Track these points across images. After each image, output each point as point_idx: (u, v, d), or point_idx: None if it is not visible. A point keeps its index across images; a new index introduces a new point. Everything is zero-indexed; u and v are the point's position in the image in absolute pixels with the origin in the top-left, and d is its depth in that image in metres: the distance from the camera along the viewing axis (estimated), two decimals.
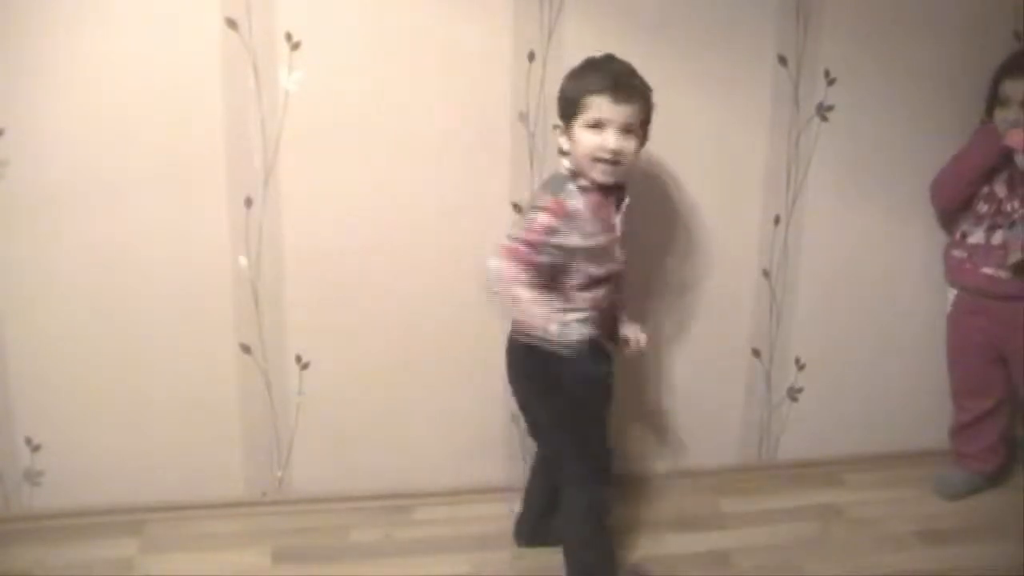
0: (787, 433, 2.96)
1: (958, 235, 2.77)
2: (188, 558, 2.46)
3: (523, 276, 2.04)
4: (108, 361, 2.48)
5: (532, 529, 2.52)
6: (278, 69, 2.36)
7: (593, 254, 2.16)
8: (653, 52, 2.46)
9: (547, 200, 2.12)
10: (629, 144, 2.11)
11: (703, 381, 2.84)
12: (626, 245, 2.23)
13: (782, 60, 2.62)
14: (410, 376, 2.64)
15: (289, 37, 2.34)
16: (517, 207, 2.53)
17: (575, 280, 2.17)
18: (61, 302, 2.42)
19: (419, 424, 2.68)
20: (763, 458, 2.96)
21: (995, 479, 2.90)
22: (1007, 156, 2.61)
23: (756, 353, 2.86)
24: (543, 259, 2.10)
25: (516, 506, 2.55)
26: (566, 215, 2.10)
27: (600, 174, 2.12)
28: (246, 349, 2.54)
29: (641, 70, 2.14)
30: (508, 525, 2.53)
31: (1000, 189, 2.67)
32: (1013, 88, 2.59)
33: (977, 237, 2.72)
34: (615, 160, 2.10)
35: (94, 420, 2.51)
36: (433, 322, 2.59)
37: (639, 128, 2.14)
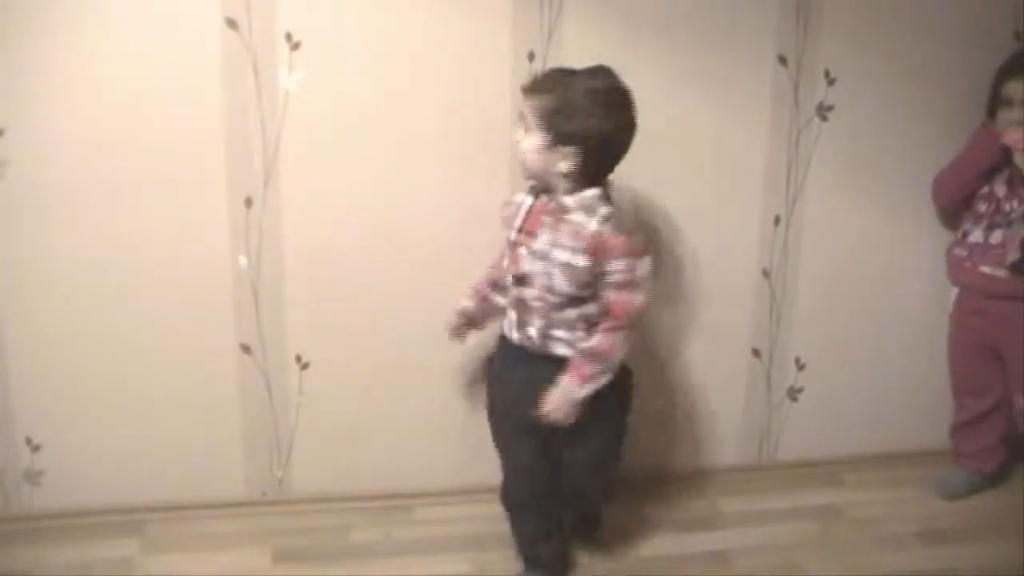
0: (787, 433, 2.96)
1: (960, 234, 2.78)
2: (188, 558, 2.46)
3: None
4: (108, 361, 2.48)
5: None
6: (278, 69, 2.36)
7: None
8: (653, 52, 2.46)
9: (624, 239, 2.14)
10: (522, 138, 2.11)
11: (703, 381, 2.84)
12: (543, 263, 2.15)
13: (782, 60, 2.61)
14: (410, 376, 2.64)
15: (289, 37, 2.34)
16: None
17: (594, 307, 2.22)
18: (61, 302, 2.42)
19: (419, 424, 2.68)
20: (763, 458, 2.96)
21: (995, 479, 2.90)
22: (1007, 155, 2.61)
23: (756, 353, 2.86)
24: None
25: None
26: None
27: (526, 175, 2.19)
28: (246, 349, 2.54)
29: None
30: (507, 525, 2.53)
31: (1000, 188, 2.67)
32: (1015, 88, 2.59)
33: (976, 236, 2.73)
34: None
35: (94, 420, 2.51)
36: (434, 322, 2.58)
37: (535, 125, 2.07)
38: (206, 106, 2.35)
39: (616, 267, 2.10)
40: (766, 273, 2.79)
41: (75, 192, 2.34)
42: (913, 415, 3.01)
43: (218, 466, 2.62)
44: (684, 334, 2.77)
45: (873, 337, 2.92)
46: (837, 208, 2.78)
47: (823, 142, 2.71)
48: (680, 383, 2.82)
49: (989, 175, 2.68)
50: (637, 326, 2.19)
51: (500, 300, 2.32)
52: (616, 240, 2.09)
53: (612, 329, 2.13)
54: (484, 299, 2.36)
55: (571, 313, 2.15)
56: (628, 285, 2.11)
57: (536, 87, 2.09)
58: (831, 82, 2.66)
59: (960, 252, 2.78)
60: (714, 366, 2.84)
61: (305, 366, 2.58)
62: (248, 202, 2.43)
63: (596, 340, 2.14)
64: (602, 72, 2.07)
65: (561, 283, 2.11)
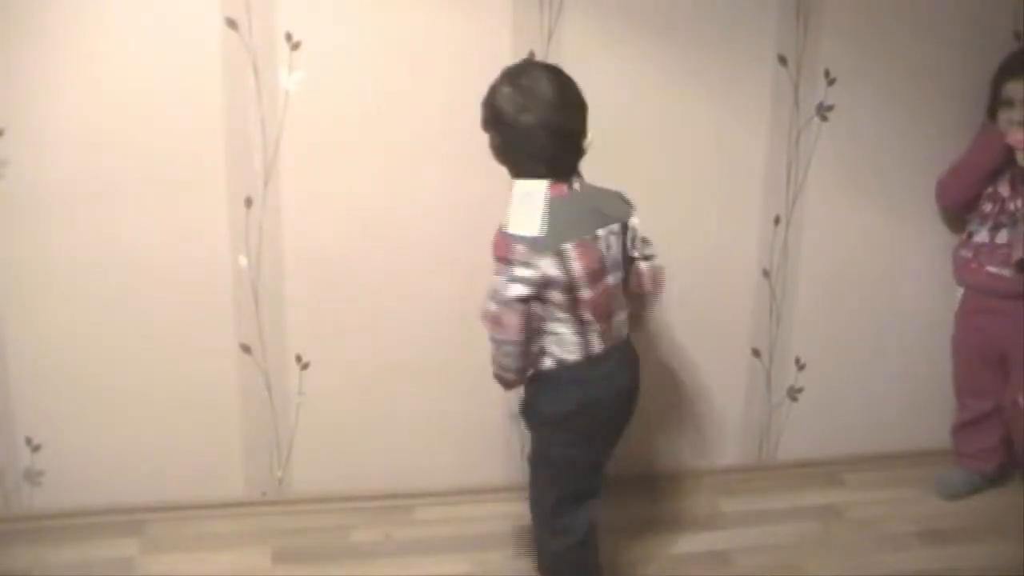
0: (787, 433, 2.96)
1: (965, 235, 2.78)
2: (188, 558, 2.46)
3: None
4: (108, 361, 2.48)
5: None
6: (278, 69, 2.36)
7: None
8: (653, 52, 2.47)
9: None
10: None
11: (703, 381, 2.84)
12: None
13: (782, 60, 2.61)
14: (410, 376, 2.64)
15: (289, 37, 2.34)
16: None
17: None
18: (61, 302, 2.42)
19: (419, 424, 2.68)
20: (763, 458, 2.96)
21: (995, 479, 2.90)
22: (1010, 156, 2.61)
23: (756, 353, 2.86)
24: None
25: None
26: None
27: None
28: (246, 349, 2.54)
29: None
30: (508, 525, 2.53)
31: (1004, 189, 2.67)
32: (1015, 88, 2.59)
33: (982, 236, 2.73)
34: None
35: (94, 420, 2.51)
36: (433, 322, 2.59)
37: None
38: (206, 106, 2.35)
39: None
40: (766, 273, 2.79)
41: (75, 192, 2.34)
42: (913, 415, 3.01)
43: (218, 466, 2.62)
44: (684, 334, 2.77)
45: (873, 337, 2.92)
46: (837, 208, 2.78)
47: (823, 142, 2.71)
48: (680, 383, 2.82)
49: (992, 176, 2.68)
50: (494, 339, 2.03)
51: None
52: (497, 238, 2.01)
53: None
54: None
55: None
56: (491, 289, 2.01)
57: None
58: (831, 82, 2.66)
59: (966, 253, 2.78)
60: (714, 366, 2.84)
61: (305, 366, 2.58)
62: (248, 202, 2.43)
63: None
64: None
65: None
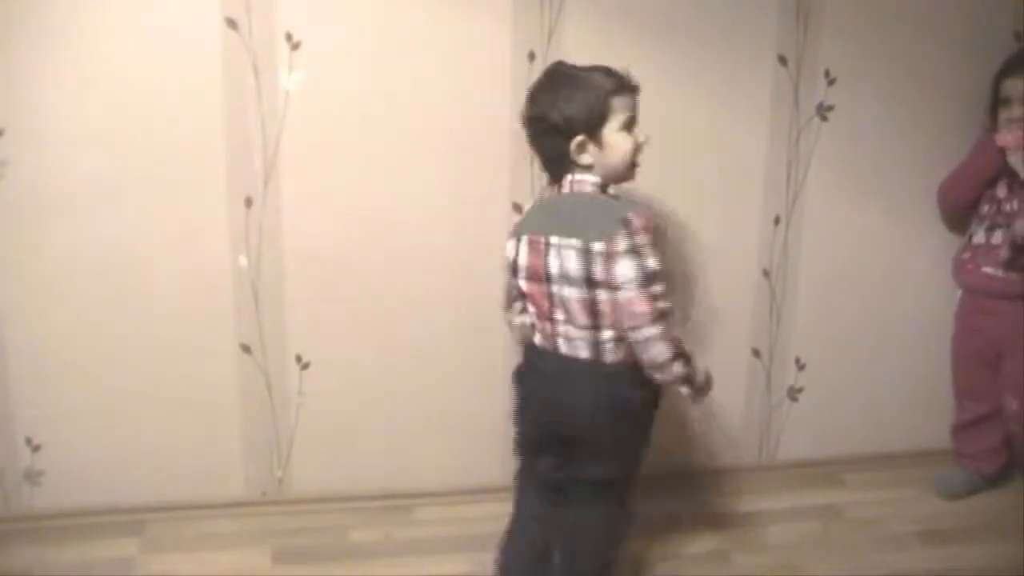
0: (787, 433, 2.96)
1: (967, 236, 2.79)
2: (188, 558, 2.46)
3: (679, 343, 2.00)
4: (108, 361, 2.48)
5: None
6: (278, 69, 2.36)
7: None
8: (653, 52, 2.47)
9: (637, 229, 1.94)
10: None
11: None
12: None
13: (782, 60, 2.62)
14: (410, 376, 2.64)
15: (289, 37, 2.34)
16: (517, 207, 2.53)
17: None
18: (61, 302, 2.42)
19: (419, 424, 2.68)
20: (763, 458, 2.96)
21: (995, 480, 2.90)
22: (1001, 159, 2.62)
23: (756, 353, 2.86)
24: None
25: None
26: (653, 230, 1.99)
27: (634, 175, 2.07)
28: (246, 349, 2.54)
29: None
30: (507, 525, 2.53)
31: (1001, 190, 2.67)
32: (1013, 87, 2.60)
33: (979, 237, 2.73)
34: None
35: (94, 420, 2.51)
36: (433, 322, 2.59)
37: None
38: (206, 106, 2.35)
39: None
40: (766, 273, 2.79)
41: (75, 192, 2.35)
42: (913, 415, 3.01)
43: (218, 466, 2.62)
44: (684, 334, 2.76)
45: (873, 337, 2.92)
46: (837, 208, 2.78)
47: (823, 142, 2.71)
48: None
49: (993, 181, 2.68)
50: None
51: None
52: None
53: None
54: None
55: None
56: None
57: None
58: (831, 82, 2.66)
59: (965, 254, 2.79)
60: (714, 366, 2.82)
61: (305, 366, 2.58)
62: (248, 202, 2.43)
63: None
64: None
65: None
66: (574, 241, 1.97)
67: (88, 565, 2.41)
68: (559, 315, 2.04)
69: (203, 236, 2.44)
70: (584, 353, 2.04)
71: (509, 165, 2.52)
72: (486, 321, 2.60)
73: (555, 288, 2.02)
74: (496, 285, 2.54)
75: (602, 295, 1.97)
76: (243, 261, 2.47)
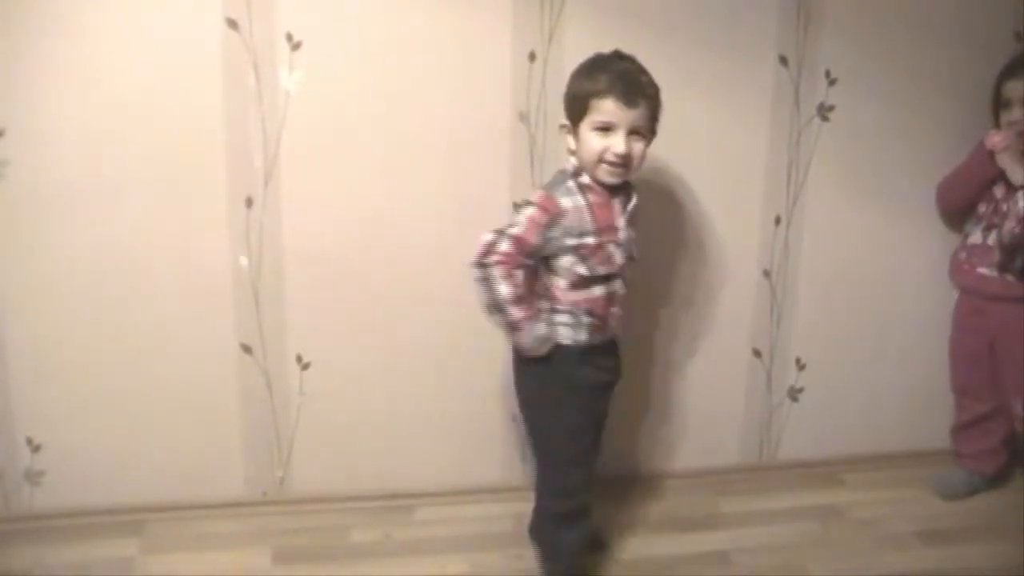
0: (787, 433, 2.96)
1: (963, 236, 2.79)
2: (188, 558, 2.46)
3: (502, 271, 2.09)
4: (108, 361, 2.48)
5: None
6: (279, 69, 2.36)
7: (582, 255, 2.14)
8: (654, 52, 2.45)
9: (538, 195, 2.14)
10: (637, 146, 2.10)
11: (703, 381, 2.84)
12: (635, 247, 2.22)
13: (783, 60, 2.62)
14: (410, 376, 2.64)
15: (290, 37, 2.34)
16: (518, 207, 2.53)
17: (562, 280, 2.16)
18: (61, 302, 2.42)
19: (419, 424, 2.68)
20: (763, 458, 2.96)
21: (995, 480, 2.91)
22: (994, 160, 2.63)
23: (757, 353, 2.86)
24: (529, 260, 2.13)
25: None
26: (555, 212, 2.10)
27: (606, 175, 2.11)
28: (247, 349, 2.54)
29: None
30: (508, 525, 2.53)
31: (998, 190, 2.67)
32: (1013, 89, 2.60)
33: (975, 237, 2.74)
34: (623, 163, 2.09)
35: (94, 420, 2.51)
36: (434, 322, 2.59)
37: (648, 129, 2.12)
38: (206, 106, 2.35)
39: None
40: (767, 273, 2.79)
41: (75, 192, 2.34)
42: (913, 415, 3.01)
43: (218, 466, 2.62)
44: (685, 334, 2.78)
45: (874, 337, 2.92)
46: (838, 208, 2.78)
47: (824, 142, 2.71)
48: (681, 383, 2.82)
49: (991, 183, 2.68)
50: None
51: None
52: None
53: None
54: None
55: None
56: None
57: (644, 95, 2.09)
58: (832, 82, 2.66)
59: (961, 254, 2.79)
60: (715, 366, 2.84)
61: (306, 366, 2.58)
62: (248, 202, 2.43)
63: None
64: (633, 58, 2.15)
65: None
66: None
67: (88, 565, 2.41)
68: None
69: (203, 236, 2.43)
70: None
71: (509, 165, 2.52)
72: (486, 321, 2.60)
73: None
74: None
75: None
76: (243, 261, 2.47)
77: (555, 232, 2.11)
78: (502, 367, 2.65)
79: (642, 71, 2.12)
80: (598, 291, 2.18)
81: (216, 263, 2.46)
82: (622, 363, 2.33)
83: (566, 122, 2.15)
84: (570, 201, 2.12)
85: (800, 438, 2.97)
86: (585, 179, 2.14)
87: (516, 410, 2.57)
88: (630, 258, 2.22)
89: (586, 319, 2.19)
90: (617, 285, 2.21)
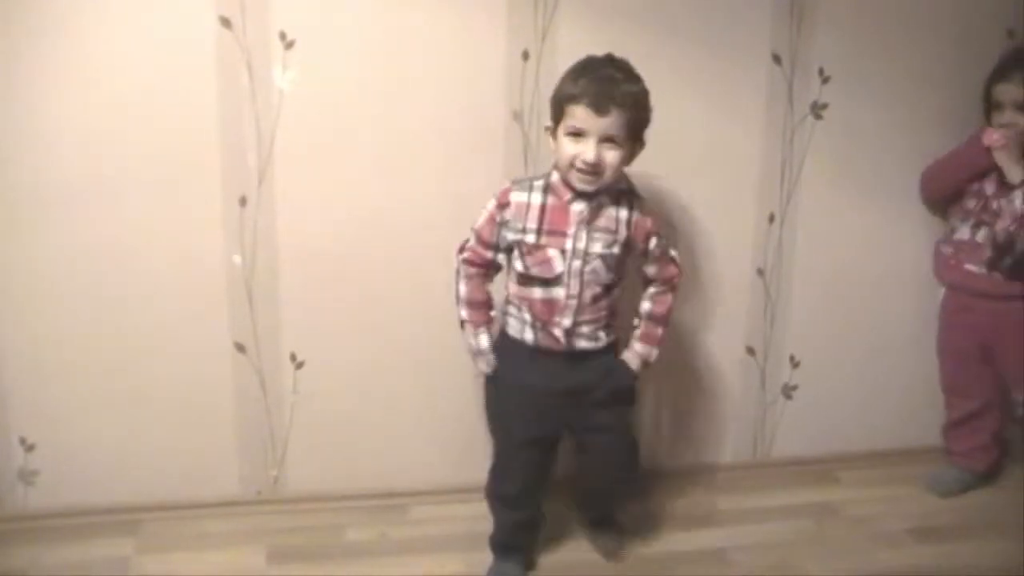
0: (782, 431, 2.96)
1: (948, 230, 2.79)
2: (184, 557, 2.46)
3: (466, 270, 2.26)
4: (102, 360, 2.47)
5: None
6: (272, 68, 2.36)
7: (521, 251, 2.19)
8: (647, 51, 2.46)
9: (501, 189, 2.22)
10: (610, 155, 2.09)
11: (698, 379, 2.84)
12: (602, 262, 2.19)
13: (776, 59, 2.62)
14: (405, 375, 2.64)
15: (283, 36, 2.34)
16: None
17: (512, 272, 2.24)
18: (55, 301, 2.41)
19: (414, 423, 2.68)
20: (758, 456, 2.97)
21: (987, 477, 2.92)
22: (988, 156, 2.62)
23: (751, 351, 2.87)
24: (490, 254, 2.24)
25: None
26: (503, 205, 2.20)
27: (577, 181, 2.12)
28: (240, 348, 2.54)
29: (635, 69, 2.15)
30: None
31: (989, 186, 2.67)
32: (1004, 91, 2.61)
33: (963, 233, 2.74)
34: (593, 171, 2.09)
35: (89, 419, 2.51)
36: (428, 321, 2.59)
37: (625, 138, 2.10)
38: (200, 105, 2.35)
39: (655, 243, 2.27)
40: (761, 272, 2.79)
41: (69, 191, 2.34)
42: (907, 413, 3.01)
43: (213, 465, 2.61)
44: (679, 332, 2.77)
45: (868, 335, 2.93)
46: (831, 206, 2.78)
47: (817, 140, 2.71)
48: (675, 381, 2.82)
49: (979, 177, 2.68)
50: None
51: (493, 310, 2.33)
52: (648, 219, 2.25)
53: (670, 291, 2.34)
54: (491, 320, 2.32)
55: (602, 303, 2.22)
56: (667, 252, 2.32)
57: (620, 104, 2.07)
58: (825, 80, 2.67)
59: (947, 249, 2.79)
60: (709, 364, 2.84)
61: (300, 365, 2.58)
62: (242, 201, 2.43)
63: (661, 305, 2.33)
64: (624, 64, 2.15)
65: (602, 275, 2.19)
66: None
67: (83, 565, 2.41)
68: None
69: (197, 235, 2.43)
70: None
71: (503, 164, 2.52)
72: None
73: None
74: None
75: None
76: (237, 260, 2.47)
77: (504, 226, 2.20)
78: None
79: (627, 79, 2.11)
80: (537, 293, 2.21)
81: (210, 262, 2.46)
82: (608, 379, 2.29)
83: (550, 123, 2.17)
84: (523, 196, 2.19)
85: (794, 436, 2.97)
86: (555, 178, 2.18)
87: None
88: (593, 272, 2.19)
89: (528, 317, 2.24)
90: (558, 293, 2.19)
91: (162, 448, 2.57)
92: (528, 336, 2.25)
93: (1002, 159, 2.60)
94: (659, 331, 2.33)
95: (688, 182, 2.65)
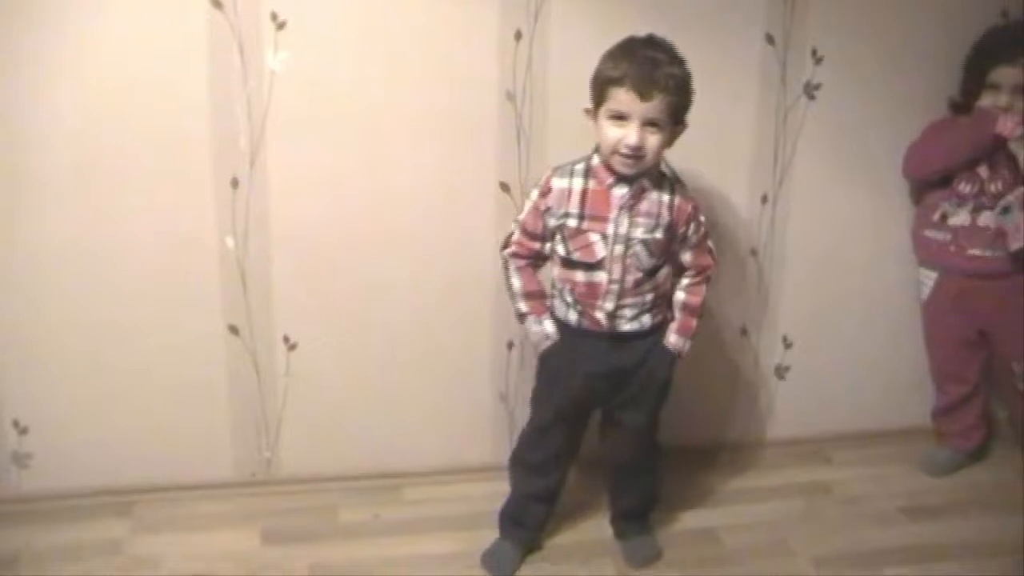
0: (774, 411, 2.97)
1: (936, 216, 2.75)
2: (178, 539, 2.47)
3: (515, 263, 2.26)
4: (95, 342, 2.47)
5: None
6: (264, 49, 2.34)
7: (563, 235, 2.19)
8: (640, 31, 2.44)
9: (544, 177, 2.21)
10: (652, 139, 2.08)
11: (691, 359, 2.82)
12: (644, 247, 2.19)
13: (770, 39, 2.61)
14: (398, 356, 2.64)
15: (275, 17, 2.32)
16: (504, 186, 2.53)
17: (555, 257, 2.23)
18: (47, 284, 2.40)
19: (407, 404, 2.68)
20: (751, 436, 2.98)
21: (978, 455, 2.94)
22: (999, 143, 2.60)
23: (744, 331, 2.87)
24: (537, 244, 2.23)
25: None
26: (545, 193, 2.19)
27: (620, 165, 2.11)
28: (234, 330, 2.53)
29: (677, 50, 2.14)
30: (496, 505, 2.53)
31: (982, 170, 2.66)
32: (1005, 75, 2.57)
33: (961, 218, 2.71)
34: (636, 155, 2.08)
35: (82, 402, 2.51)
36: (421, 301, 2.59)
37: (666, 121, 2.09)
38: (192, 86, 2.33)
39: (694, 228, 2.25)
40: (754, 252, 2.79)
41: (60, 174, 2.33)
42: (899, 393, 3.02)
43: (207, 447, 2.62)
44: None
45: (860, 315, 2.93)
46: (825, 187, 2.78)
47: (810, 121, 2.71)
48: None
49: (981, 160, 2.66)
50: None
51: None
52: (689, 204, 2.25)
53: (704, 282, 2.32)
54: (548, 306, 2.31)
55: (645, 287, 2.22)
56: (705, 241, 2.30)
57: (664, 87, 2.06)
58: (818, 61, 2.66)
59: (940, 235, 2.75)
60: (702, 344, 2.82)
61: (293, 346, 2.58)
62: (234, 183, 2.42)
63: (696, 296, 2.31)
64: (666, 45, 2.14)
65: (644, 260, 2.18)
66: None
67: (77, 547, 2.41)
68: None
69: (190, 217, 2.42)
70: None
71: (496, 144, 2.51)
72: (474, 301, 2.60)
73: None
74: (483, 264, 2.55)
75: None
76: (230, 242, 2.46)
77: (548, 213, 2.19)
78: (490, 347, 2.65)
79: (670, 61, 2.09)
80: (579, 276, 2.21)
81: (203, 244, 2.45)
82: (646, 362, 2.30)
83: (590, 106, 2.15)
84: (564, 182, 2.18)
85: (787, 416, 2.98)
86: (595, 162, 2.17)
87: (504, 390, 2.61)
88: (634, 256, 2.18)
89: (570, 299, 2.24)
90: (601, 277, 2.19)
91: (156, 430, 2.57)
92: (572, 317, 2.25)
93: (1017, 148, 2.58)
94: (693, 322, 2.31)
95: (681, 163, 2.64)
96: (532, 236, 2.23)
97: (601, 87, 2.10)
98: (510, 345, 2.68)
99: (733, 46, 2.59)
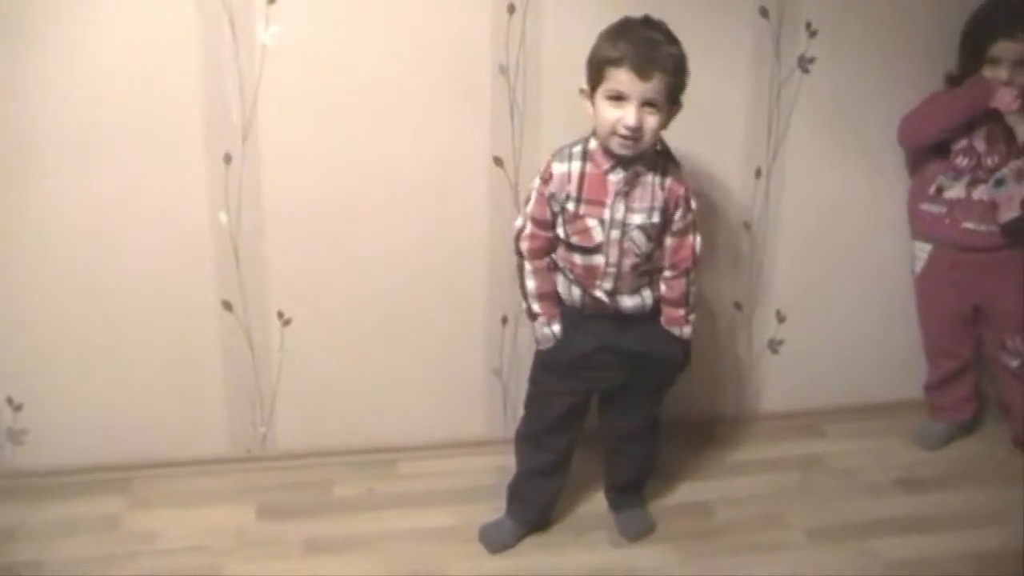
0: (768, 385, 2.98)
1: (932, 189, 2.74)
2: (173, 514, 2.47)
3: (533, 264, 2.24)
4: (89, 319, 2.47)
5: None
6: (255, 23, 2.33)
7: (564, 219, 2.19)
8: (633, 5, 2.43)
9: (544, 164, 2.20)
10: (651, 119, 2.07)
11: None
12: (641, 233, 2.18)
13: (763, 12, 2.60)
14: (392, 330, 2.64)
15: None
16: (498, 161, 2.52)
17: (560, 241, 2.22)
18: (41, 260, 2.40)
19: (402, 378, 2.69)
20: (744, 410, 2.99)
21: (970, 428, 2.95)
22: (995, 111, 2.59)
23: (737, 306, 2.87)
24: (550, 232, 2.21)
25: None
26: (547, 180, 2.18)
27: (618, 147, 2.10)
28: (227, 306, 2.53)
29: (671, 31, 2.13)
30: (491, 478, 2.54)
31: (979, 143, 2.65)
32: (1006, 49, 2.54)
33: (956, 192, 2.71)
34: (633, 136, 2.07)
35: (76, 378, 2.51)
36: (415, 276, 2.59)
37: (664, 101, 2.08)
38: (182, 61, 2.32)
39: (681, 214, 2.22)
40: (747, 226, 2.79)
41: (53, 150, 2.32)
42: (893, 367, 3.03)
43: (202, 423, 2.62)
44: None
45: (854, 289, 2.93)
46: (818, 161, 2.78)
47: (804, 94, 2.70)
48: None
49: (968, 127, 2.65)
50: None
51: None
52: (682, 187, 2.22)
53: (682, 276, 2.26)
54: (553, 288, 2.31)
55: (642, 270, 2.23)
56: (688, 232, 2.25)
57: (663, 67, 2.05)
58: (812, 34, 2.65)
59: (936, 209, 2.75)
60: (697, 319, 2.83)
61: (287, 322, 2.58)
62: (227, 158, 2.41)
63: (673, 291, 2.27)
64: (661, 25, 2.12)
65: (641, 245, 2.18)
66: None
67: (73, 522, 2.42)
68: None
69: (182, 193, 2.42)
70: None
71: (490, 118, 2.51)
72: (468, 276, 2.60)
73: None
74: (477, 239, 2.55)
75: None
76: (223, 217, 2.46)
77: (552, 199, 2.18)
78: (484, 321, 2.65)
79: (667, 41, 2.08)
80: (577, 259, 2.21)
81: (196, 220, 2.45)
82: (654, 348, 2.31)
83: (585, 87, 2.13)
84: (563, 167, 2.17)
85: (780, 390, 2.99)
86: (593, 146, 2.16)
87: (498, 364, 2.61)
88: (631, 241, 2.18)
89: (571, 276, 2.24)
90: (598, 260, 2.19)
91: (150, 406, 2.57)
92: (575, 294, 2.25)
93: (1014, 121, 2.57)
94: (680, 312, 2.28)
95: (674, 137, 2.63)
96: (544, 225, 2.21)
97: (599, 68, 2.07)
98: (504, 319, 2.68)
99: (726, 19, 2.58)
